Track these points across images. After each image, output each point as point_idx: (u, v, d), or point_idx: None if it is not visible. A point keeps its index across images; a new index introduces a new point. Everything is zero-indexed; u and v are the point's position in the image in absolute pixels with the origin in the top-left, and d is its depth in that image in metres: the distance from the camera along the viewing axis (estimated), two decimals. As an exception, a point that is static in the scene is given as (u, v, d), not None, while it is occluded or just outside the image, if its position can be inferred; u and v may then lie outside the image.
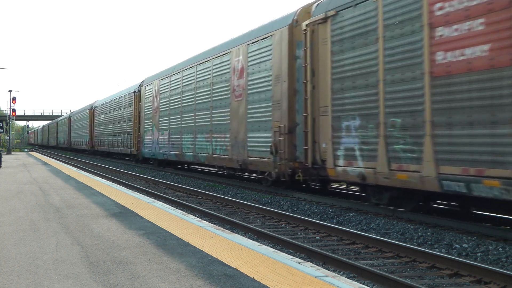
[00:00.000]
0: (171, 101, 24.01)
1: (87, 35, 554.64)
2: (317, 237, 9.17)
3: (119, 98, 35.81)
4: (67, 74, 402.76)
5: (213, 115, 18.79)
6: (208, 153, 19.10)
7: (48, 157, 39.92)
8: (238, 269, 5.02)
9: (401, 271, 6.97)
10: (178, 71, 23.20)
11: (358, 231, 9.21)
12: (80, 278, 4.71)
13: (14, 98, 49.62)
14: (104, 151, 41.81)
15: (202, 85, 20.07)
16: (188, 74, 21.78)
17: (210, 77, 19.23)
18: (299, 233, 9.59)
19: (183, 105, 22.25)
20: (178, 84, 23.13)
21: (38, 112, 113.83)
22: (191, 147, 21.06)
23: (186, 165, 27.01)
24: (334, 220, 10.79)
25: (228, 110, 17.48)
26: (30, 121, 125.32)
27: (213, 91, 18.82)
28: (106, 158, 42.23)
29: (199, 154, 20.03)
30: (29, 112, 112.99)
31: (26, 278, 4.73)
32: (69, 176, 18.00)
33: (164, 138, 24.80)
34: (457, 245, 8.17)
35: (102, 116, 41.53)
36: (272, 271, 4.97)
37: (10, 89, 52.25)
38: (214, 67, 18.88)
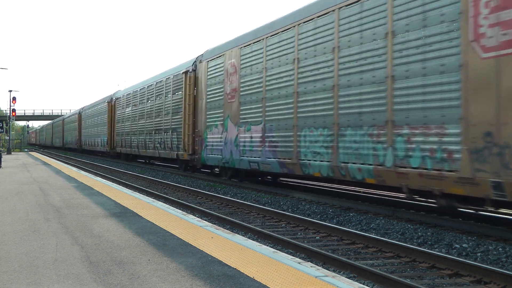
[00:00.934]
0: (268, 77, 14.77)
1: (86, 36, 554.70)
2: (317, 237, 9.17)
3: (156, 83, 26.83)
4: (67, 74, 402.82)
5: (396, 92, 10.12)
6: (382, 164, 10.40)
7: (48, 157, 39.92)
8: (238, 269, 5.02)
9: (401, 271, 6.97)
10: (286, 29, 14.09)
11: (358, 231, 9.21)
12: (80, 278, 4.71)
13: (14, 98, 49.61)
14: (130, 154, 32.96)
15: (357, 40, 11.20)
16: (314, 29, 12.76)
17: (383, 24, 10.50)
18: (299, 233, 9.59)
19: (300, 81, 13.20)
20: (286, 48, 13.97)
21: (38, 112, 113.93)
22: (325, 152, 12.07)
23: (270, 178, 18.46)
24: (334, 220, 10.79)
25: (455, 78, 8.84)
26: (30, 121, 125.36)
27: (397, 47, 10.11)
28: (132, 163, 33.44)
29: (352, 164, 11.25)
30: (29, 112, 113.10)
31: (26, 278, 4.73)
32: (69, 176, 18.00)
33: (251, 137, 15.72)
34: (457, 245, 8.18)
35: (128, 109, 32.55)
36: (272, 271, 4.98)
37: (10, 89, 52.25)
38: (396, 2, 10.17)
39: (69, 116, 63.18)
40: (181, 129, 22.39)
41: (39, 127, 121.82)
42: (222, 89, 18.23)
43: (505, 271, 6.30)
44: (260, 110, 15.36)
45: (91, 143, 45.02)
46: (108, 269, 5.00)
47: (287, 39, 14.03)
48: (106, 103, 38.55)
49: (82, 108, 52.58)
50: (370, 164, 10.69)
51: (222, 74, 18.23)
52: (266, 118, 14.96)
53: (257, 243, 6.48)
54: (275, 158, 14.33)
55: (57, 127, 73.54)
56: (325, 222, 10.33)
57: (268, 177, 18.54)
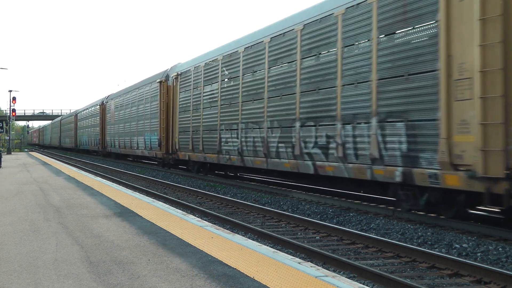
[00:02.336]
0: None
1: (86, 36, 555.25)
2: (317, 237, 9.17)
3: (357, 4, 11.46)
4: (67, 74, 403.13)
5: None
6: None
7: (48, 157, 39.92)
8: (238, 269, 5.02)
9: (401, 271, 6.97)
10: None
11: (358, 231, 9.21)
12: (80, 278, 4.71)
13: (14, 98, 49.63)
14: (230, 164, 17.83)
15: None
16: None
17: None
18: (299, 233, 9.59)
19: None
20: None
21: (38, 112, 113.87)
22: None
23: None
24: (334, 220, 10.79)
25: None
26: (30, 121, 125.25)
27: None
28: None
29: None
30: (29, 112, 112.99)
31: (26, 278, 4.73)
32: (69, 176, 18.00)
33: None
34: (457, 245, 8.18)
35: (218, 85, 18.28)
36: (272, 271, 4.97)
37: (10, 89, 52.29)
38: None
39: (84, 110, 49.44)
40: None
41: (41, 126, 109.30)
42: None
43: (505, 271, 6.30)
44: None
45: (125, 145, 32.20)
46: (108, 269, 5.00)
47: None
48: (157, 84, 25.45)
49: (106, 97, 39.49)
50: None
51: None
52: None
53: (257, 243, 6.48)
54: None
55: (67, 124, 60.08)
56: (325, 222, 10.33)
57: None
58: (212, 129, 18.70)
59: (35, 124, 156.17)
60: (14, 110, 50.98)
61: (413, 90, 9.83)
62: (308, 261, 7.22)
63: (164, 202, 12.42)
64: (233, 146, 16.91)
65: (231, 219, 10.64)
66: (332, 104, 12.06)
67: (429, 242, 8.53)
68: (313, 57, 13.01)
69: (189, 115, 21.30)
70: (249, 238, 8.77)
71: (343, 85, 11.75)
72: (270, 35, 15.14)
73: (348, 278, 5.99)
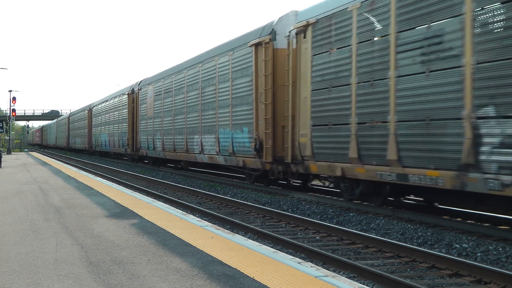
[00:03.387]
0: None
1: (86, 35, 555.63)
2: (317, 237, 9.17)
3: None
4: (67, 74, 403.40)
5: None
6: None
7: (48, 157, 39.92)
8: (238, 269, 5.02)
9: (401, 271, 6.97)
10: None
11: (358, 231, 9.21)
12: (80, 278, 4.71)
13: (14, 98, 49.64)
14: None
15: None
16: None
17: None
18: (299, 233, 9.59)
19: None
20: None
21: (38, 112, 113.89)
22: None
23: None
24: (334, 220, 10.79)
25: None
26: (30, 121, 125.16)
27: None
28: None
29: None
30: (29, 112, 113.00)
31: (26, 278, 4.73)
32: (69, 176, 18.00)
33: None
34: (457, 245, 8.18)
35: (467, 17, 8.18)
36: (272, 271, 4.97)
37: (10, 89, 52.31)
38: None
39: (103, 102, 39.21)
40: None
41: (45, 125, 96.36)
42: None
43: (505, 271, 6.30)
44: None
45: (174, 147, 22.89)
46: (108, 269, 5.00)
47: None
48: (249, 49, 15.71)
49: (139, 83, 29.38)
50: None
51: None
52: None
53: (257, 243, 6.48)
54: None
55: (78, 121, 50.66)
56: (325, 222, 10.32)
57: None
58: (436, 117, 8.93)
59: (35, 124, 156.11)
60: (14, 110, 50.99)
61: None
62: (308, 261, 7.22)
63: (164, 202, 12.42)
64: None
65: (231, 219, 10.64)
66: None
67: (429, 242, 8.53)
68: None
69: (344, 95, 11.31)
70: (249, 238, 8.77)
71: None
72: None
73: (348, 278, 5.99)
